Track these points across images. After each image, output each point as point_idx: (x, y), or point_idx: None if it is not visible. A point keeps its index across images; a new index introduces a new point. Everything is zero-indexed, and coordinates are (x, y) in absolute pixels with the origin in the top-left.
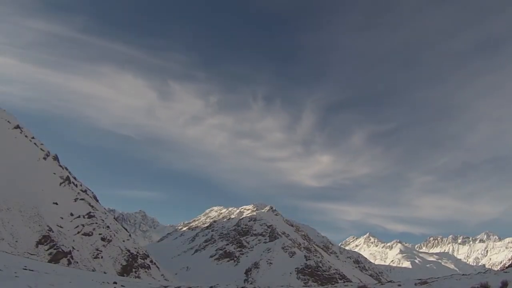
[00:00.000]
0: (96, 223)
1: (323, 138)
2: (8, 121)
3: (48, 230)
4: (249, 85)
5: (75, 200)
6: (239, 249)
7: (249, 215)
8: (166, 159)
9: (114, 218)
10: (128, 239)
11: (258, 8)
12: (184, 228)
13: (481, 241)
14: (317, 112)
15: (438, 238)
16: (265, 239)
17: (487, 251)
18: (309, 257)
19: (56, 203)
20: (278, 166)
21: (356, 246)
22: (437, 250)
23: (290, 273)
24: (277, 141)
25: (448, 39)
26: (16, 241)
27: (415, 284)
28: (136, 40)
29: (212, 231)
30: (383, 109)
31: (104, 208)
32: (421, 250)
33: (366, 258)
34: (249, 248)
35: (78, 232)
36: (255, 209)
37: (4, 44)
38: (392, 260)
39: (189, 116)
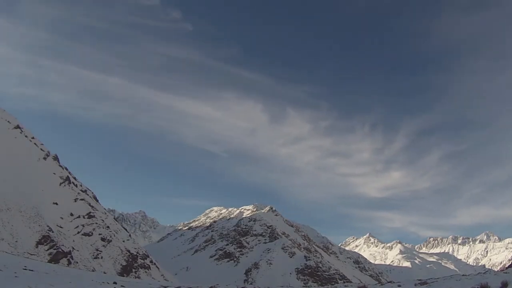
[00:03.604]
0: (96, 223)
1: (404, 158)
2: (8, 121)
3: (48, 230)
4: (363, 114)
5: (75, 200)
6: (239, 249)
7: (249, 215)
8: (240, 174)
9: (114, 218)
10: (128, 239)
11: (387, 51)
12: (184, 229)
13: (481, 241)
14: (409, 137)
15: (438, 239)
16: (265, 239)
17: (487, 251)
18: (309, 257)
19: (56, 203)
20: (350, 180)
21: (356, 246)
22: (437, 250)
23: (290, 274)
24: (363, 160)
25: None
26: (16, 241)
27: (415, 285)
28: (270, 70)
29: (212, 231)
30: (462, 132)
31: (104, 208)
32: (421, 251)
33: (366, 259)
34: (249, 249)
35: (78, 232)
36: (255, 209)
37: (121, 66)
38: (392, 261)
39: (291, 138)
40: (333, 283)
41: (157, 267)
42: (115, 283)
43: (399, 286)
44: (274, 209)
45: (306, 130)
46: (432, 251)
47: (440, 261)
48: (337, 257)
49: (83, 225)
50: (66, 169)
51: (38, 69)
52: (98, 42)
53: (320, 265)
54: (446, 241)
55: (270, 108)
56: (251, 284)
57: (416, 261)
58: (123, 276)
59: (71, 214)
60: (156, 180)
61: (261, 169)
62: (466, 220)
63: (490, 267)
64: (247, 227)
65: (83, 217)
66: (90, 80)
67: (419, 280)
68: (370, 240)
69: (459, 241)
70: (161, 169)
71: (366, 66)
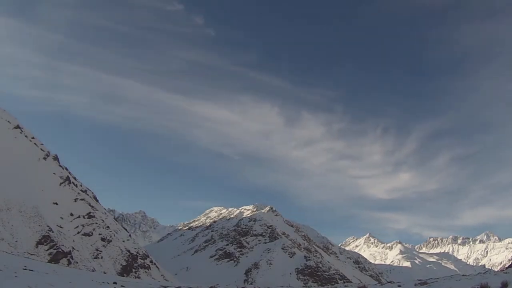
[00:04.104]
0: (96, 223)
1: (414, 160)
2: (8, 121)
3: (48, 230)
4: (376, 117)
5: (75, 200)
6: (239, 249)
7: (249, 215)
8: (249, 175)
9: (114, 218)
10: (128, 239)
11: (404, 56)
12: (184, 229)
13: (481, 241)
14: (420, 140)
15: (438, 239)
16: (265, 239)
17: (487, 251)
18: (309, 257)
19: (56, 203)
20: (359, 182)
21: (356, 246)
22: (437, 250)
23: (290, 274)
24: (373, 162)
25: None
26: (16, 241)
27: (415, 285)
28: (289, 74)
29: (212, 231)
30: (472, 136)
31: (104, 208)
32: (421, 251)
33: (366, 259)
34: (249, 249)
35: (78, 232)
36: (255, 209)
37: (138, 70)
38: (392, 261)
39: (304, 140)
40: (333, 283)
41: (157, 267)
42: (115, 283)
43: (399, 286)
44: (274, 209)
45: (319, 133)
46: (432, 251)
47: (440, 261)
48: (337, 257)
49: (83, 225)
50: (66, 169)
51: (52, 71)
52: (115, 45)
53: (320, 265)
54: (446, 241)
55: (286, 111)
56: (251, 284)
57: (416, 261)
58: (123, 276)
59: (71, 214)
60: (159, 181)
61: (271, 171)
62: (470, 221)
63: (490, 267)
64: (247, 227)
65: (83, 217)
66: (104, 83)
67: (419, 280)
68: (370, 240)
69: (459, 241)
70: (166, 171)
71: (382, 70)
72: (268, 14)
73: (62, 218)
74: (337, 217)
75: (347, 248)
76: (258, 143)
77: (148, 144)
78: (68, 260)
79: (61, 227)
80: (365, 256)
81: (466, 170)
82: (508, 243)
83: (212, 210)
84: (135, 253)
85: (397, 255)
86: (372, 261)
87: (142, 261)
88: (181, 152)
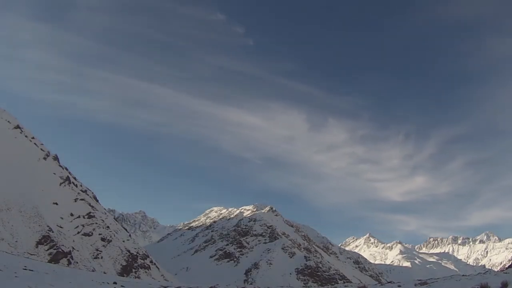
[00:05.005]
0: (96, 223)
1: (430, 164)
2: (8, 121)
3: (48, 230)
4: (399, 123)
5: (75, 200)
6: (239, 249)
7: (249, 215)
8: (266, 178)
9: (114, 218)
10: (128, 239)
11: (434, 67)
12: (184, 229)
13: (481, 241)
14: (438, 145)
15: (438, 239)
16: (265, 239)
17: (487, 251)
18: (309, 257)
19: (56, 203)
20: (375, 185)
21: (356, 246)
22: (437, 250)
23: (290, 274)
24: (391, 166)
25: None
26: (16, 241)
27: (415, 285)
28: (320, 82)
29: (212, 231)
30: (488, 141)
31: (104, 208)
32: (421, 251)
33: (366, 259)
34: (249, 249)
35: (78, 232)
36: (255, 209)
37: (170, 76)
38: (392, 261)
39: (326, 145)
40: (333, 283)
41: (157, 267)
42: (115, 283)
43: (399, 286)
44: (274, 209)
45: (342, 138)
46: (432, 251)
47: (440, 261)
48: (337, 257)
49: (83, 225)
50: (66, 169)
51: (78, 76)
52: (148, 52)
53: (320, 265)
54: (446, 241)
55: (313, 117)
56: (251, 284)
57: (416, 261)
58: (123, 276)
59: (71, 214)
60: (159, 181)
61: (289, 174)
62: (477, 222)
63: (490, 267)
64: (247, 227)
65: (83, 217)
66: (131, 88)
67: (419, 280)
68: (370, 240)
69: (459, 241)
70: (180, 174)
71: (407, 78)
72: (304, 24)
73: (62, 218)
74: (346, 219)
75: (347, 248)
76: (281, 148)
77: (168, 149)
78: (68, 260)
79: (61, 227)
80: (365, 256)
81: (478, 174)
82: (508, 243)
83: (212, 210)
84: (135, 253)
85: (397, 255)
86: (372, 261)
87: (142, 261)
88: (202, 156)
